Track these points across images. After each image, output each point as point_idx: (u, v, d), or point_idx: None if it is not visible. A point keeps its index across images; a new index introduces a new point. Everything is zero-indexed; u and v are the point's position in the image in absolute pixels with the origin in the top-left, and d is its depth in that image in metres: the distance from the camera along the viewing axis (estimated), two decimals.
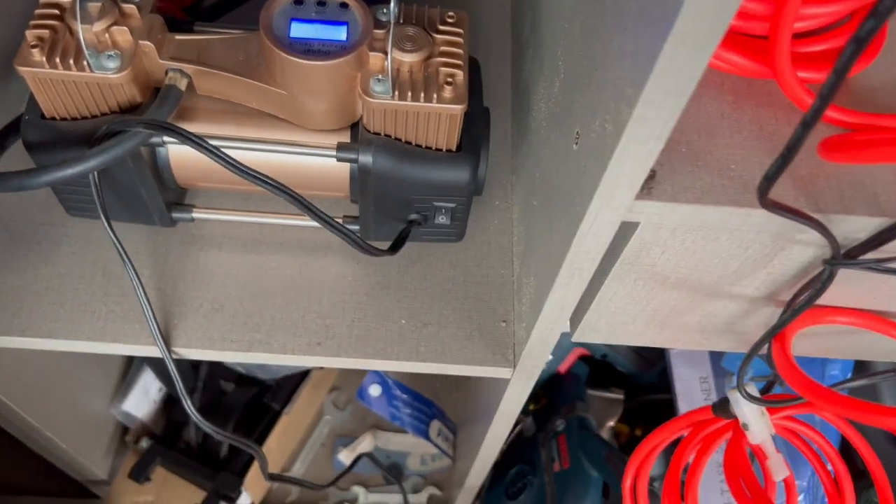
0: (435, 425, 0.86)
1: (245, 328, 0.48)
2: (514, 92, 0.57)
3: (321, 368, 0.90)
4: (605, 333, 0.46)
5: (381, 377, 0.84)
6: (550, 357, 0.85)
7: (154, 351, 0.47)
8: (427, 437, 0.85)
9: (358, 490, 0.89)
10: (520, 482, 0.79)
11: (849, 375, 0.69)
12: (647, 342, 0.46)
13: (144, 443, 0.80)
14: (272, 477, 0.63)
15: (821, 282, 0.36)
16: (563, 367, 0.84)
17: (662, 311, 0.42)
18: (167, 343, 0.47)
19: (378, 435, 0.92)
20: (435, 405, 0.88)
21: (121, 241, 0.44)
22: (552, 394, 0.84)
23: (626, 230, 0.36)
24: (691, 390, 0.75)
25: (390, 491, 0.89)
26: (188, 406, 0.49)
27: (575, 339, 0.47)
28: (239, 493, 0.78)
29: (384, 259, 0.51)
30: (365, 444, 0.90)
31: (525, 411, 0.86)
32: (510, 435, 0.84)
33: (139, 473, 0.77)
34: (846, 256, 0.34)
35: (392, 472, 0.89)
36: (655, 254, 0.37)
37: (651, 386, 0.84)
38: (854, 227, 0.33)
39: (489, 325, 0.49)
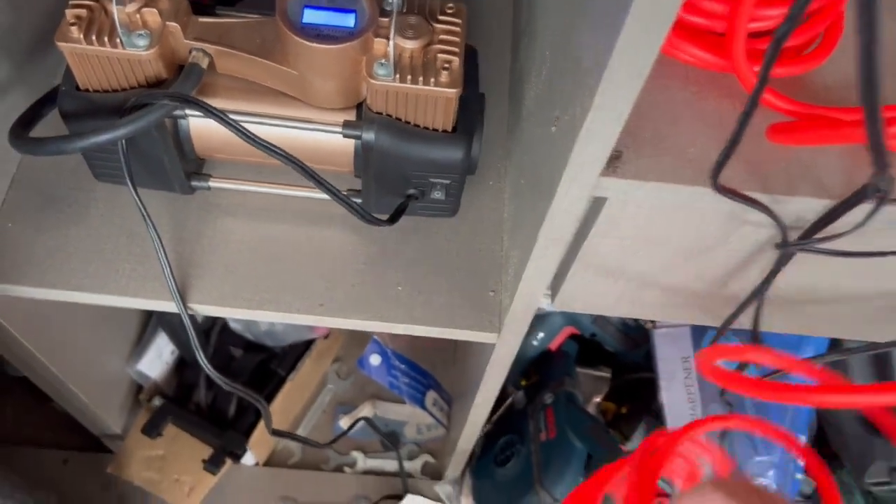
0: (431, 395, 0.91)
1: (255, 288, 0.52)
2: (511, 79, 0.61)
3: (325, 338, 0.94)
4: (581, 303, 0.50)
5: (381, 347, 0.89)
6: (542, 335, 0.90)
7: (171, 307, 0.52)
8: (423, 406, 0.90)
9: (357, 455, 0.94)
10: (508, 450, 0.84)
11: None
12: (620, 313, 0.50)
13: (157, 401, 0.85)
14: (275, 432, 0.68)
15: (775, 264, 0.40)
16: (553, 345, 0.88)
17: (632, 283, 0.46)
18: (183, 299, 0.51)
19: (377, 404, 0.97)
20: (431, 376, 0.93)
21: (144, 206, 0.49)
22: (543, 370, 0.89)
23: (597, 206, 0.40)
24: (673, 369, 0.79)
25: (387, 457, 0.94)
26: (200, 357, 0.54)
27: (555, 308, 0.51)
28: (244, 450, 0.83)
29: (383, 230, 0.55)
30: (364, 412, 0.95)
31: (517, 386, 0.90)
32: (502, 407, 0.89)
33: (151, 429, 0.82)
34: (800, 238, 0.38)
35: (389, 439, 0.94)
36: (623, 229, 0.41)
37: (636, 365, 0.88)
38: (800, 209, 0.37)
39: (478, 294, 0.54)
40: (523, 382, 0.92)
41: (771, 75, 0.38)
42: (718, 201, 0.36)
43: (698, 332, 0.79)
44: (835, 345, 0.74)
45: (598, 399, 0.91)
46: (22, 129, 0.46)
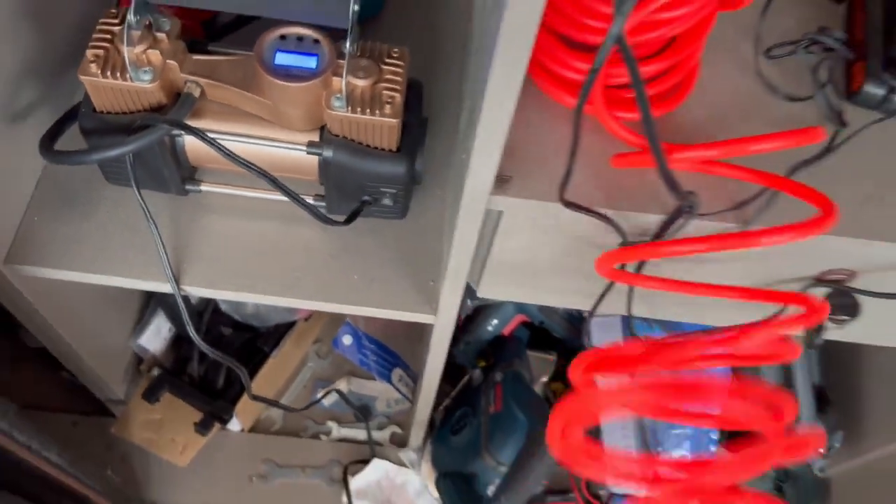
0: (397, 372, 1.03)
1: (237, 274, 0.64)
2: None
3: (306, 320, 1.05)
4: (499, 292, 0.61)
5: (352, 329, 1.00)
6: (496, 321, 1.01)
7: (167, 288, 0.63)
8: (390, 382, 1.02)
9: (332, 424, 1.05)
10: (463, 421, 0.95)
11: None
12: (528, 300, 0.61)
13: (155, 371, 0.96)
14: (255, 397, 0.79)
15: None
16: (506, 331, 1.00)
17: (532, 275, 0.57)
18: (177, 282, 0.63)
19: (351, 381, 1.08)
20: (398, 356, 1.04)
21: (146, 204, 0.60)
22: (496, 352, 1.00)
23: (498, 217, 0.51)
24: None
25: (359, 427, 1.05)
26: (190, 330, 0.65)
27: (480, 295, 0.62)
28: (230, 416, 0.95)
29: (344, 229, 0.66)
30: (340, 386, 1.06)
31: (474, 366, 1.02)
32: (460, 384, 1.00)
33: (150, 395, 0.94)
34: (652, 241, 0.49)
35: (362, 411, 1.06)
36: (520, 234, 0.52)
37: (580, 349, 0.99)
38: (641, 221, 0.48)
39: (421, 283, 0.65)
40: (482, 363, 1.03)
41: (625, 118, 0.50)
42: (576, 214, 0.47)
43: (626, 319, 0.90)
44: None
45: (544, 379, 1.02)
46: (49, 142, 0.58)
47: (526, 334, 1.02)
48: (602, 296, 0.54)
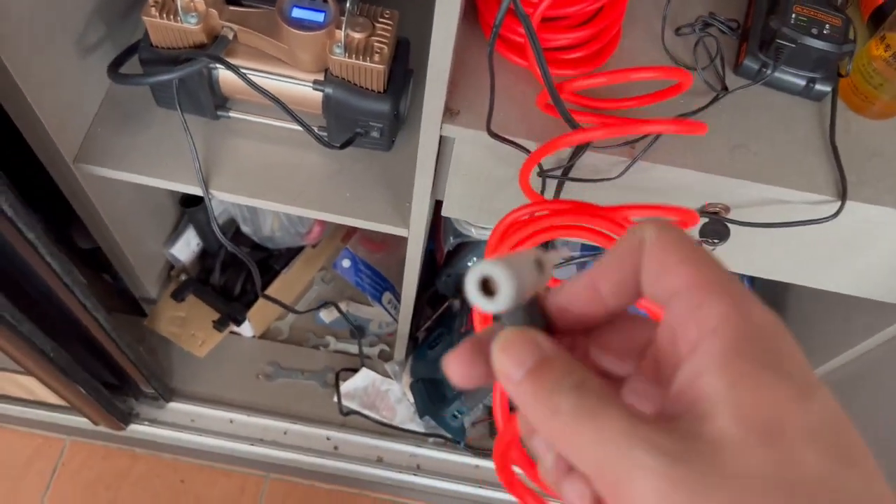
0: (387, 295, 1.19)
1: (253, 185, 0.80)
2: None
3: (313, 247, 1.22)
4: (460, 213, 0.77)
5: (351, 254, 1.17)
6: (475, 259, 1.16)
7: (199, 191, 0.80)
8: (380, 303, 1.18)
9: (330, 338, 1.22)
10: (438, 339, 1.12)
11: None
12: (482, 221, 0.77)
13: (183, 276, 1.14)
14: (266, 297, 0.96)
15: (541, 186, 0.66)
16: None
17: (481, 198, 0.73)
18: (206, 186, 0.79)
19: (350, 304, 1.25)
20: (389, 282, 1.21)
21: (186, 123, 0.77)
22: None
23: (451, 143, 0.66)
24: None
25: (353, 343, 1.22)
26: (216, 228, 0.82)
27: (444, 214, 0.78)
28: (244, 318, 1.12)
29: (341, 156, 0.82)
30: (341, 307, 1.23)
31: (454, 296, 1.18)
32: (440, 309, 1.16)
33: (177, 295, 1.11)
34: (564, 171, 0.64)
35: (357, 330, 1.22)
36: (468, 159, 0.67)
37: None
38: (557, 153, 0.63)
39: (399, 204, 0.81)
40: (461, 296, 1.19)
41: (556, 74, 0.64)
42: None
43: (581, 268, 1.05)
44: None
45: None
46: (116, 67, 0.74)
47: None
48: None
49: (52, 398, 0.99)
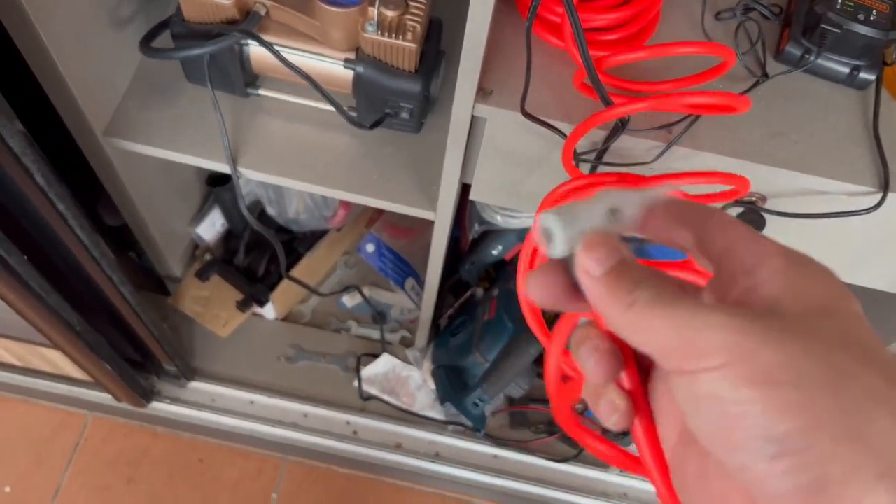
0: (410, 281, 1.18)
1: (280, 164, 0.80)
2: None
3: (338, 231, 1.22)
4: (489, 196, 0.76)
5: (375, 239, 1.16)
6: (500, 247, 1.15)
7: (227, 168, 0.79)
8: (403, 288, 1.17)
9: (352, 323, 1.22)
10: (461, 327, 1.11)
11: None
12: (511, 205, 0.76)
13: (207, 256, 1.14)
14: (290, 277, 0.96)
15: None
16: (508, 256, 1.14)
17: (511, 181, 0.72)
18: (234, 164, 0.79)
19: (373, 289, 1.25)
20: (412, 267, 1.20)
21: (217, 100, 0.76)
22: (498, 274, 1.15)
23: (482, 124, 0.65)
24: None
25: (374, 328, 1.22)
26: (243, 207, 0.81)
27: (472, 198, 0.77)
28: (267, 299, 1.12)
29: (369, 137, 0.81)
30: (364, 292, 1.23)
31: (477, 285, 1.17)
32: (463, 298, 1.16)
33: (202, 275, 1.12)
34: (598, 155, 0.63)
35: (379, 315, 1.22)
36: (500, 141, 0.66)
37: None
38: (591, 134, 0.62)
39: (426, 186, 0.80)
40: (485, 285, 1.18)
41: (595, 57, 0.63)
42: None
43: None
44: None
45: None
46: (148, 41, 0.74)
47: None
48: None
49: (77, 373, 1.00)
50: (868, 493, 0.20)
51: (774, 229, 0.67)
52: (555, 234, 0.27)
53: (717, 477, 0.24)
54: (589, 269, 0.26)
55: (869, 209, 0.62)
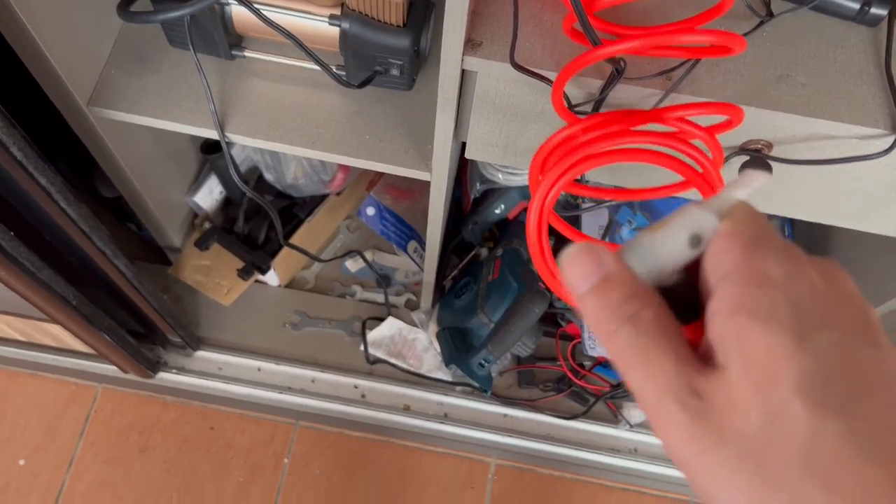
0: (412, 244, 1.17)
1: (270, 128, 0.77)
2: None
3: (337, 195, 1.20)
4: (484, 154, 0.73)
5: (375, 202, 1.14)
6: (502, 206, 1.13)
7: (215, 134, 0.77)
8: (405, 251, 1.16)
9: (356, 287, 1.21)
10: (465, 288, 1.09)
11: None
12: (508, 162, 0.73)
13: (206, 225, 1.13)
14: (288, 244, 0.94)
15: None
16: (511, 215, 1.12)
17: (507, 136, 0.69)
18: (222, 129, 0.77)
19: (376, 253, 1.23)
20: (414, 230, 1.18)
21: (200, 64, 0.74)
22: (501, 233, 1.13)
23: (474, 78, 0.63)
24: (592, 234, 1.02)
25: (379, 292, 1.21)
26: (234, 172, 0.79)
27: (467, 156, 0.74)
28: (268, 266, 1.11)
29: (360, 96, 0.79)
30: (366, 255, 1.21)
31: (481, 245, 1.15)
32: (467, 258, 1.14)
33: (201, 244, 1.10)
34: (595, 106, 0.60)
35: (383, 279, 1.21)
36: (493, 95, 0.64)
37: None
38: (581, 84, 0.59)
39: (421, 146, 0.78)
40: (489, 245, 1.16)
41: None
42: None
43: (613, 209, 1.02)
44: None
45: None
46: (126, 5, 0.71)
47: None
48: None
49: (80, 346, 0.99)
50: None
51: (782, 177, 0.64)
52: (636, 270, 0.25)
53: None
54: (574, 286, 0.25)
55: (881, 153, 0.59)
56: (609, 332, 0.24)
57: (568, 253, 0.26)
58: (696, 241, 0.25)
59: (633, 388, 0.24)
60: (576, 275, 0.25)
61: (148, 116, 0.77)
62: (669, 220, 0.25)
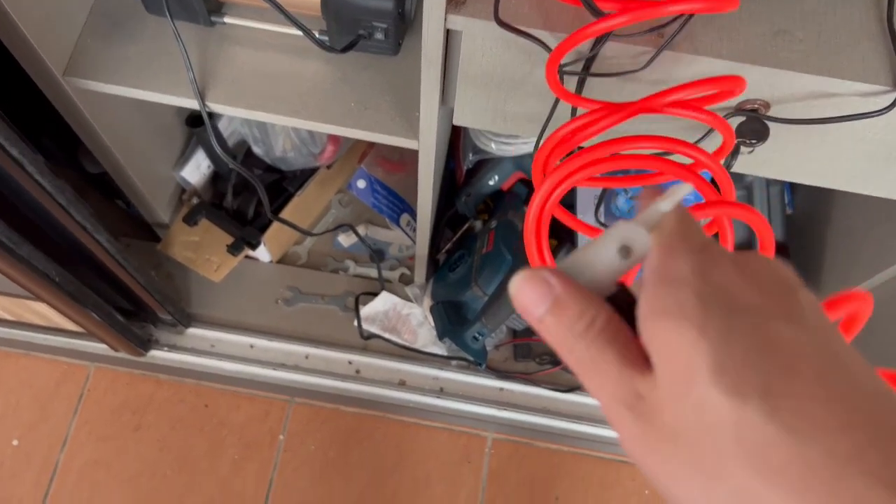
0: (405, 217, 1.14)
1: (252, 96, 0.75)
2: None
3: (328, 168, 1.17)
4: (472, 119, 0.71)
5: (366, 174, 1.12)
6: (497, 177, 1.11)
7: (195, 104, 0.75)
8: (398, 224, 1.14)
9: (349, 262, 1.19)
10: (459, 261, 1.07)
11: None
12: (498, 128, 0.71)
13: (195, 200, 1.11)
14: (277, 218, 0.92)
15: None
16: (505, 186, 1.10)
17: (494, 101, 0.67)
18: (203, 99, 0.74)
19: (369, 227, 1.21)
20: (407, 203, 1.16)
21: (178, 32, 0.71)
22: (495, 205, 1.11)
23: (459, 38, 0.60)
24: (586, 206, 1.00)
25: (372, 267, 1.19)
26: (215, 144, 0.77)
27: (455, 122, 0.72)
28: (259, 242, 1.09)
29: (344, 62, 0.76)
30: (359, 229, 1.19)
31: (475, 217, 1.13)
32: (461, 230, 1.12)
33: (190, 219, 1.08)
34: (585, 66, 0.58)
35: (377, 253, 1.19)
36: (479, 56, 0.61)
37: (569, 207, 1.09)
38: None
39: (408, 113, 0.75)
40: (483, 217, 1.14)
41: None
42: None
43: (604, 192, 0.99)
44: None
45: None
46: None
47: (525, 192, 1.12)
48: (550, 115, 0.62)
49: (69, 325, 0.98)
50: None
51: (780, 138, 0.61)
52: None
53: None
54: (529, 313, 0.26)
55: (882, 110, 0.57)
56: (568, 349, 0.26)
57: (515, 283, 0.27)
58: (625, 251, 0.27)
59: (592, 397, 0.26)
60: (529, 301, 0.26)
61: (125, 86, 0.75)
62: (602, 235, 0.27)
